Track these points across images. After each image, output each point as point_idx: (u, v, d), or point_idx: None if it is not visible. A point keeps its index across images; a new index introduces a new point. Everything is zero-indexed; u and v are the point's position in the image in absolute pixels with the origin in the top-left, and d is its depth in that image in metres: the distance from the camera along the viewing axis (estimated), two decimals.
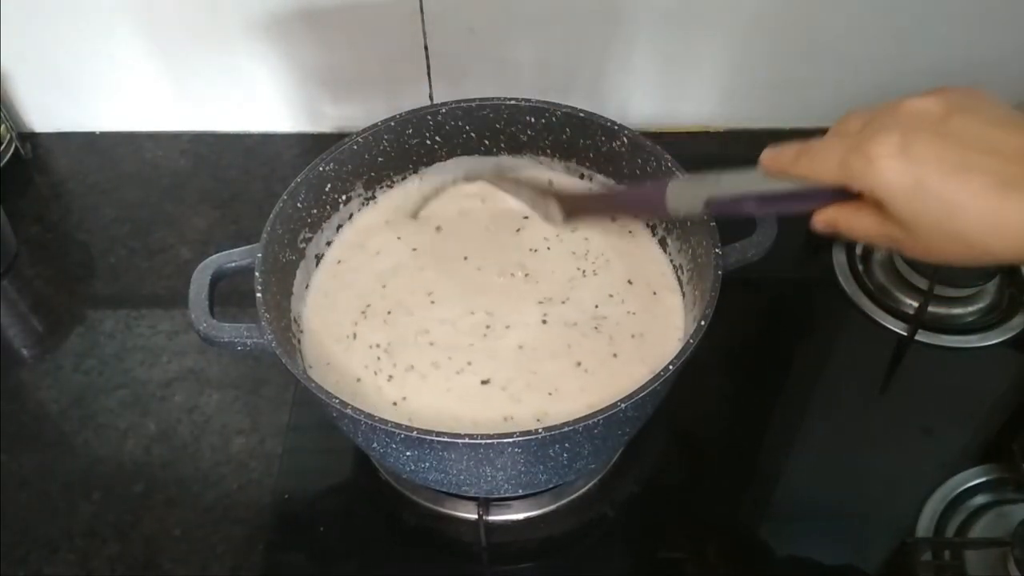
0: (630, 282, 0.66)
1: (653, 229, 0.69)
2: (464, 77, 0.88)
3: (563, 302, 0.65)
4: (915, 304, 0.76)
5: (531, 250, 0.68)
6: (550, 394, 0.59)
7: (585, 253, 0.68)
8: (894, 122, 0.40)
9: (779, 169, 0.45)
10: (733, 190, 0.48)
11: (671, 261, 0.67)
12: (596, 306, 0.64)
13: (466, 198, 0.71)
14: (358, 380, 0.61)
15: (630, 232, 0.69)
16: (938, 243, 0.40)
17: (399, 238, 0.69)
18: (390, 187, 0.71)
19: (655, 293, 0.66)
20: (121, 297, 0.81)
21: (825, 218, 0.45)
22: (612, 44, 0.85)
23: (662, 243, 0.68)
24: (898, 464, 0.68)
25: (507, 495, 0.64)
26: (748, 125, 0.92)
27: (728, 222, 0.59)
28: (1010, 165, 0.38)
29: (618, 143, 0.67)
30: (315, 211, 0.66)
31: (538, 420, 0.58)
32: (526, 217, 0.69)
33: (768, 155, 0.46)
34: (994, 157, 0.38)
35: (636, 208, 0.63)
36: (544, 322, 0.63)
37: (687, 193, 0.51)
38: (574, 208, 0.64)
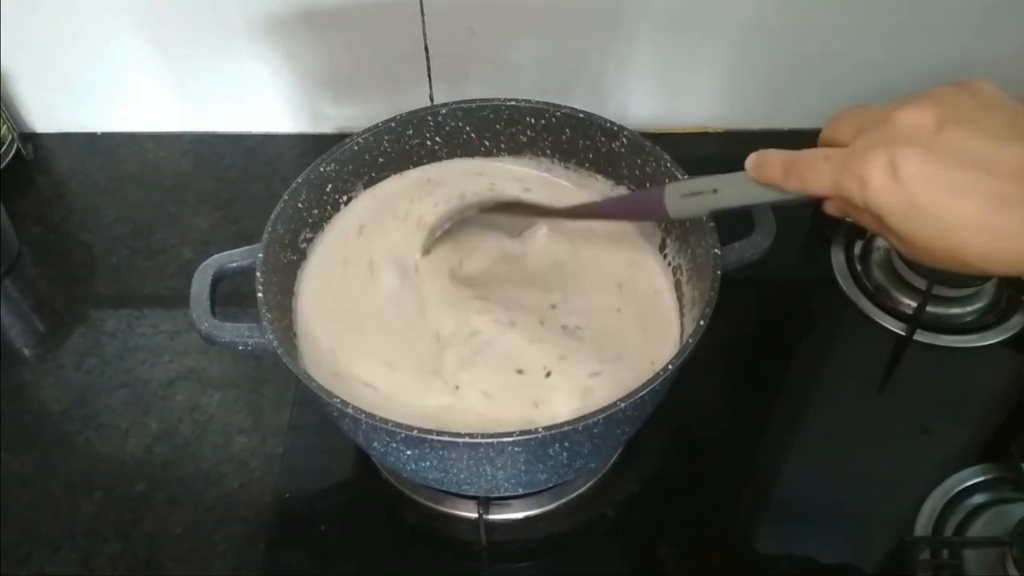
0: (620, 287, 0.66)
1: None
2: (464, 78, 0.88)
3: (552, 307, 0.64)
4: (913, 304, 0.77)
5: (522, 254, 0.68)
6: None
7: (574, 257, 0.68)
8: (885, 137, 0.39)
9: (769, 182, 0.45)
10: (734, 201, 0.48)
11: (668, 263, 0.67)
12: (591, 310, 0.64)
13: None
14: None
15: (624, 233, 0.69)
16: (936, 258, 0.39)
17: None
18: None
19: (656, 293, 0.66)
20: (123, 297, 0.82)
21: (835, 207, 0.44)
22: (612, 45, 0.86)
23: (661, 244, 0.68)
24: (897, 463, 0.68)
25: (507, 494, 0.64)
26: (747, 126, 0.92)
27: (727, 221, 0.60)
28: (1006, 183, 0.36)
29: (618, 144, 0.67)
30: (316, 211, 0.66)
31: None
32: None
33: (754, 164, 0.45)
34: (989, 176, 0.37)
35: (635, 214, 0.63)
36: (541, 323, 0.63)
37: (686, 203, 0.51)
38: (568, 215, 0.63)
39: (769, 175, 0.45)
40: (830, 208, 0.45)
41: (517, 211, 0.65)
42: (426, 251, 0.65)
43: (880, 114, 0.40)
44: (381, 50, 0.86)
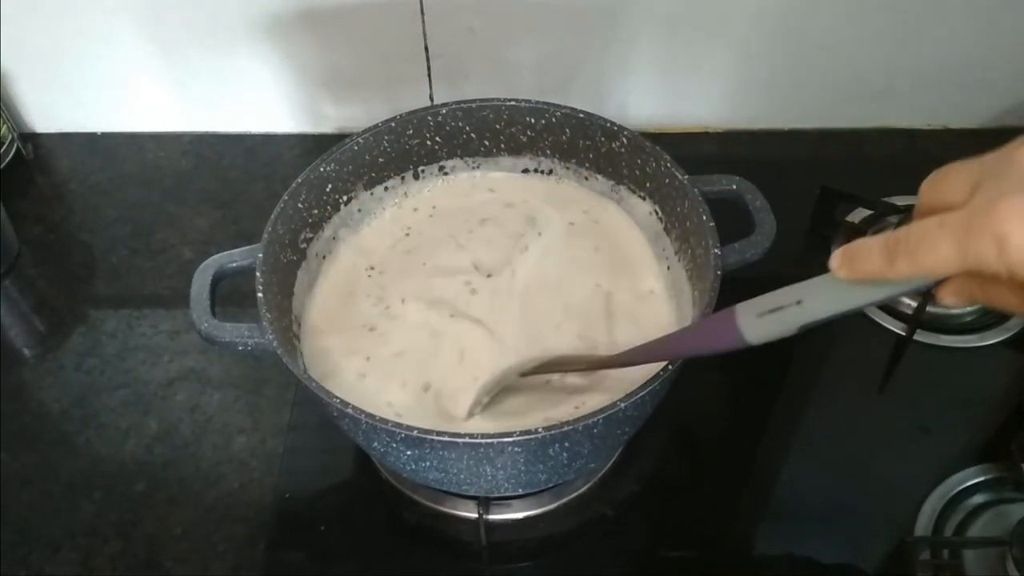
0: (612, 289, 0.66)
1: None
2: (464, 78, 0.88)
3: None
4: (913, 304, 0.76)
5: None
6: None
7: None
8: (1015, 182, 0.32)
9: (868, 277, 0.37)
10: (826, 311, 0.41)
11: (668, 266, 0.67)
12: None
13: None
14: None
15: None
16: None
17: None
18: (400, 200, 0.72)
19: (651, 292, 0.66)
20: (123, 297, 0.82)
21: (955, 291, 0.37)
22: (612, 44, 0.86)
23: (661, 245, 0.68)
24: (897, 463, 0.68)
25: (507, 494, 0.64)
26: (748, 126, 0.92)
27: (727, 221, 0.60)
28: None
29: (618, 144, 0.67)
30: (316, 211, 0.66)
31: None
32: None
33: (843, 263, 0.37)
34: None
35: (702, 347, 0.51)
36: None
37: (766, 323, 0.44)
38: (624, 363, 0.56)
39: (867, 268, 0.36)
40: (948, 294, 0.37)
41: (562, 368, 0.60)
42: (471, 415, 0.59)
43: (997, 160, 0.34)
44: (381, 50, 0.86)
